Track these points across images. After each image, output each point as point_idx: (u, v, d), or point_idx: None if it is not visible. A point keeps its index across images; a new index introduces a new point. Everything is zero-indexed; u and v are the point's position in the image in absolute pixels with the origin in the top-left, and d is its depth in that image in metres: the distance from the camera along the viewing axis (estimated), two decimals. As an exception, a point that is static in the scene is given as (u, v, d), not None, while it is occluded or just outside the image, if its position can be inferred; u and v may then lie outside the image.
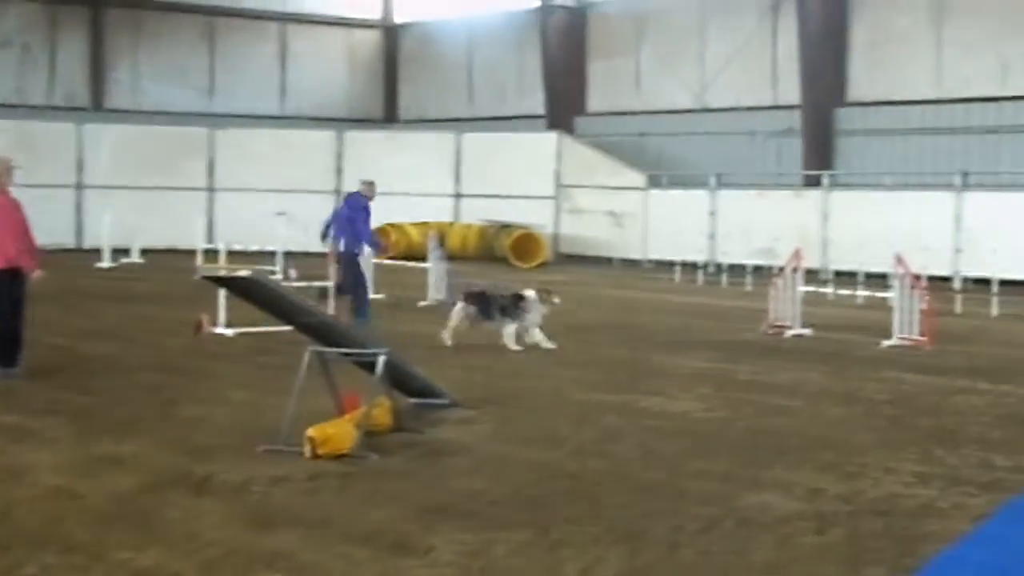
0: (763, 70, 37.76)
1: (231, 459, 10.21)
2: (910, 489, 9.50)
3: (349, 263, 20.13)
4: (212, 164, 39.64)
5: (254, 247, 26.46)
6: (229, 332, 18.01)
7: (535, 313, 17.36)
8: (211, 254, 27.42)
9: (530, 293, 17.47)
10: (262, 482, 9.47)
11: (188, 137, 39.84)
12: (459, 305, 17.66)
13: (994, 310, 22.64)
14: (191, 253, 28.15)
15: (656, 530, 8.31)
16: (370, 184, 21.17)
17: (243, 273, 11.25)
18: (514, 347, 17.18)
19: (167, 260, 31.71)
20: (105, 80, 45.40)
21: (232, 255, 24.40)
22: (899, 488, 9.53)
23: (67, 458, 10.23)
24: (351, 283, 20.03)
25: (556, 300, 17.76)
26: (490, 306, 17.52)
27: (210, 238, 33.06)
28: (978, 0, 33.31)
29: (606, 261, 35.67)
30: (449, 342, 17.32)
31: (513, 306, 17.38)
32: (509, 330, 17.32)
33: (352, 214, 20.42)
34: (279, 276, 23.19)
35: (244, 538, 8.10)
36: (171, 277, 27.30)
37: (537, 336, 17.37)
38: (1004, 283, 24.12)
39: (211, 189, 39.51)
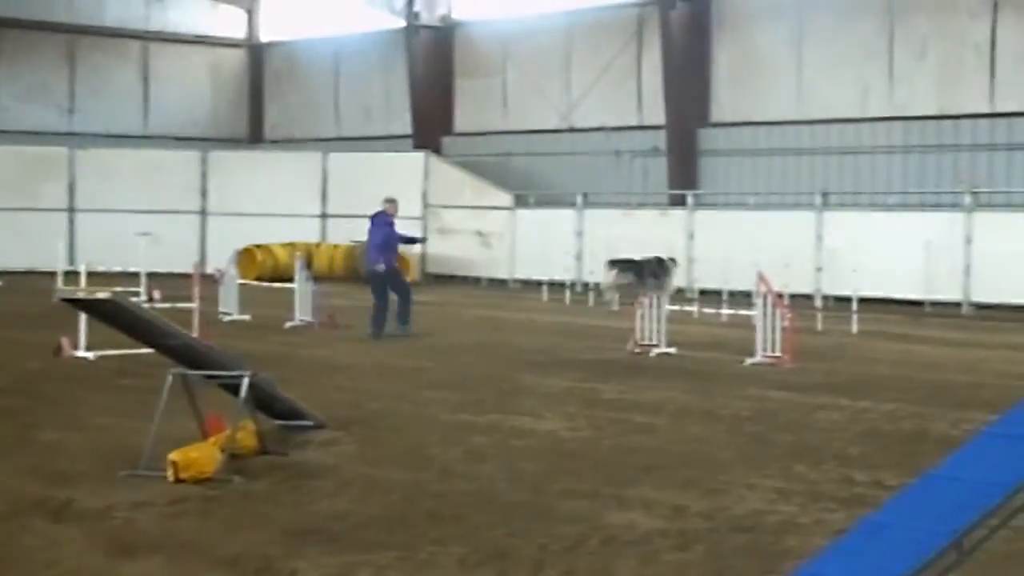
0: (628, 91, 38.10)
1: (92, 484, 10.04)
2: (772, 505, 9.63)
3: (391, 277, 22.05)
4: (73, 184, 38.95)
5: (117, 268, 26.06)
6: (90, 355, 17.73)
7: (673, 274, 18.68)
8: (72, 276, 26.94)
9: (663, 255, 18.81)
10: (124, 507, 9.33)
11: (48, 157, 39.10)
12: (613, 272, 18.31)
13: (854, 327, 23.04)
14: (52, 275, 27.63)
15: (522, 550, 8.33)
16: (392, 202, 22.82)
17: (103, 295, 11.08)
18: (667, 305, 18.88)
19: (27, 282, 31.10)
20: (-37, 99, 44.47)
21: (94, 276, 23.97)
22: (761, 504, 9.65)
23: (-80, 486, 9.99)
24: (402, 294, 21.99)
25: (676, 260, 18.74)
26: (643, 272, 18.16)
27: (71, 259, 32.49)
28: (838, 23, 33.95)
29: (473, 281, 35.70)
30: (616, 306, 17.81)
31: (660, 269, 18.28)
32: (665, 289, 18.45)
33: (377, 230, 22.13)
34: (142, 298, 22.86)
35: (105, 565, 7.97)
36: (31, 300, 26.78)
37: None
38: (863, 301, 24.55)
39: (72, 209, 38.80)
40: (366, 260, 22.73)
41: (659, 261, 18.24)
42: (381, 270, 21.90)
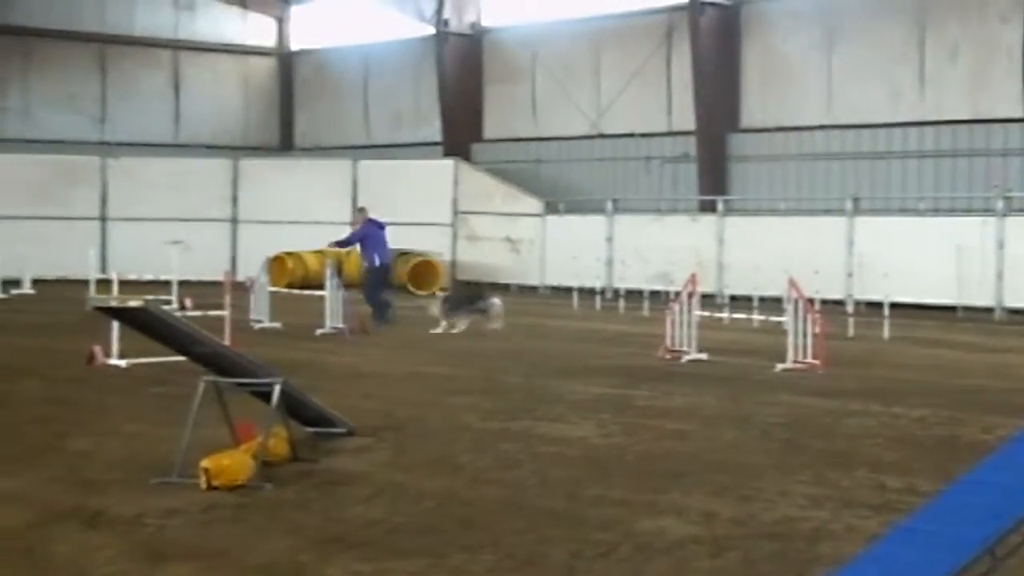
0: (658, 96, 38.08)
1: (124, 492, 10.06)
2: (804, 512, 9.59)
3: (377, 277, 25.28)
4: (105, 193, 39.16)
5: (148, 276, 26.19)
6: (122, 363, 17.79)
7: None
8: (104, 284, 27.05)
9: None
10: (156, 515, 9.34)
11: (80, 166, 39.30)
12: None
13: (886, 333, 22.95)
14: (84, 283, 27.75)
15: (553, 557, 8.31)
16: (358, 210, 26.65)
17: (135, 303, 11.09)
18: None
19: (59, 290, 31.21)
20: (-5, 109, 44.71)
21: (126, 285, 24.09)
22: (793, 511, 9.61)
23: (-46, 494, 10.03)
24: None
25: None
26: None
27: (103, 268, 32.62)
28: (868, 28, 33.87)
29: (503, 288, 35.68)
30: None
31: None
32: None
33: (381, 233, 25.42)
34: (174, 306, 22.95)
35: (137, 572, 7.98)
36: (63, 308, 26.83)
37: None
38: (895, 306, 24.46)
39: (104, 218, 39.01)
40: (385, 258, 25.52)
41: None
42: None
